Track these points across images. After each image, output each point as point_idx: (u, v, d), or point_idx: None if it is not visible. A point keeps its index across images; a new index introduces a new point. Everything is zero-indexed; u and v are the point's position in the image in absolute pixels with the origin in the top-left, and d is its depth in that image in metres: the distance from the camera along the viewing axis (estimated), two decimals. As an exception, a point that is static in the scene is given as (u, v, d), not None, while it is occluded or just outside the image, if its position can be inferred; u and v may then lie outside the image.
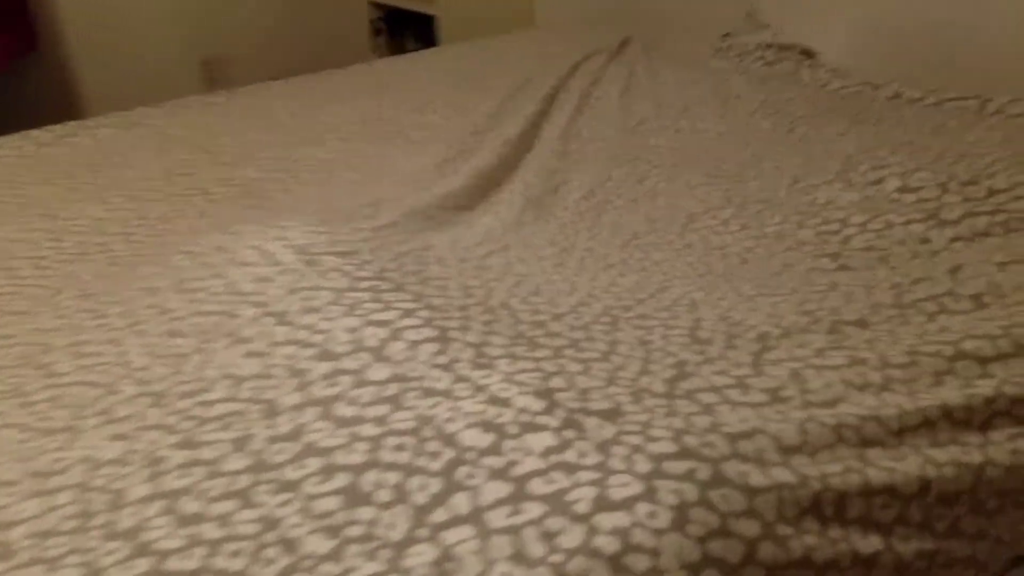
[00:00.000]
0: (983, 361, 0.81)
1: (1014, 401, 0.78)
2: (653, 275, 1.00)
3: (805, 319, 0.87)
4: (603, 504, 0.59)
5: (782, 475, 0.65)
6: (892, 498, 0.68)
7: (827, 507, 0.65)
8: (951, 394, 0.77)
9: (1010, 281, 0.94)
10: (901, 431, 0.73)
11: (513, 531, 0.58)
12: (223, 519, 0.58)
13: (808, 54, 1.88)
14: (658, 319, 0.85)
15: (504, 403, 0.67)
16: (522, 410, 0.67)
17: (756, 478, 0.64)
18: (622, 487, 0.60)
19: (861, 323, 0.87)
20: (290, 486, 0.61)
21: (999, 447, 0.75)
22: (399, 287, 0.81)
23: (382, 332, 0.74)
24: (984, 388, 0.78)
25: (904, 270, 0.98)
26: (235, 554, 0.55)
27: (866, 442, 0.71)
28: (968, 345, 0.82)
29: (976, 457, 0.73)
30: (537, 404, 0.68)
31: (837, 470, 0.67)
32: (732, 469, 0.63)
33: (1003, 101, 1.46)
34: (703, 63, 1.88)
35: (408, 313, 0.77)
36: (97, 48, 2.70)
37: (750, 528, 0.60)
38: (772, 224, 1.11)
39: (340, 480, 0.61)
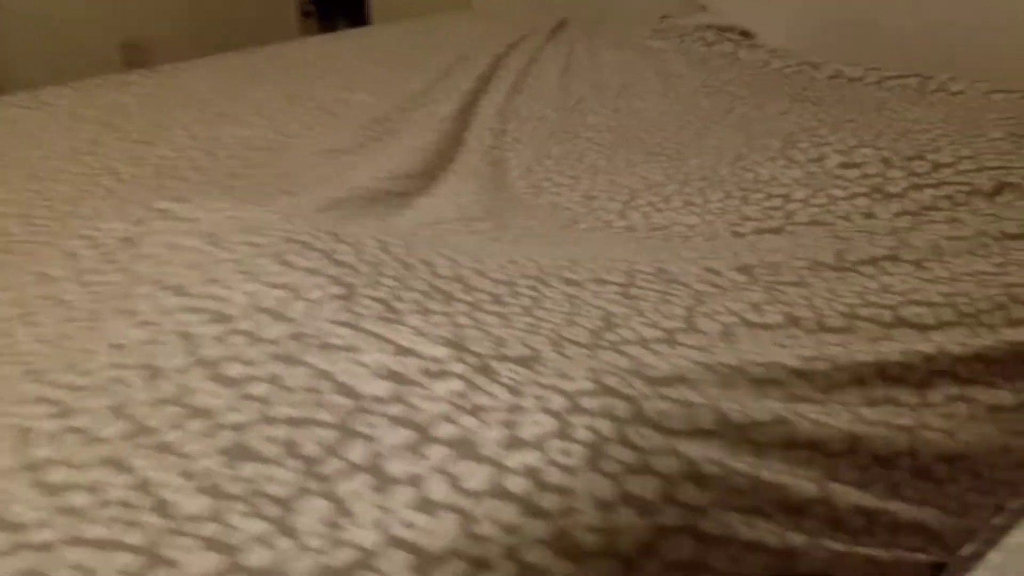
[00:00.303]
0: (923, 328, 0.78)
1: (956, 360, 0.76)
2: (590, 246, 0.95)
3: (743, 277, 0.83)
4: (513, 443, 0.55)
5: (705, 417, 0.61)
6: (817, 452, 0.64)
7: (751, 452, 0.61)
8: (888, 350, 0.74)
9: (953, 249, 0.92)
10: (832, 387, 0.70)
11: (415, 478, 0.53)
12: (93, 487, 0.52)
13: (746, 35, 1.86)
14: (590, 275, 0.80)
15: (410, 353, 0.62)
16: (430, 359, 0.62)
17: (677, 418, 0.60)
18: (534, 425, 0.56)
19: (800, 283, 0.83)
20: (168, 447, 0.54)
21: (934, 409, 0.72)
22: (307, 247, 0.74)
23: (282, 293, 0.68)
24: (924, 346, 0.76)
25: (847, 237, 0.96)
26: (104, 521, 0.49)
27: (795, 397, 0.67)
28: (907, 312, 0.79)
29: (908, 419, 0.70)
30: (446, 352, 0.62)
31: (766, 419, 0.63)
32: (652, 407, 0.59)
33: (943, 79, 1.45)
34: (642, 44, 1.85)
35: (313, 272, 0.71)
36: (10, 29, 2.56)
37: (669, 466, 0.56)
38: (715, 200, 1.08)
39: (224, 439, 0.55)
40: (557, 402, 0.58)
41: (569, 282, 0.79)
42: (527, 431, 0.56)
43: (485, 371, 0.61)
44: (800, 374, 0.69)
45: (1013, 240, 0.95)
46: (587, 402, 0.58)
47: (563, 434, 0.56)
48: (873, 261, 0.88)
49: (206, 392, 0.59)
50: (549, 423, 0.57)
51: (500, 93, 1.51)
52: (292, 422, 0.57)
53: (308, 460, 0.54)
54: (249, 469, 0.53)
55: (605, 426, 0.57)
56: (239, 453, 0.54)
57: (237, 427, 0.56)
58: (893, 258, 0.89)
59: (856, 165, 1.12)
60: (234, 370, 0.61)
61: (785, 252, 0.90)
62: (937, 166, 1.10)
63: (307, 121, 1.36)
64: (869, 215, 1.03)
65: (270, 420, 0.57)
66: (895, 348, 0.75)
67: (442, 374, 0.61)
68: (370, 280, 0.72)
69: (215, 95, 1.49)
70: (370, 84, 1.50)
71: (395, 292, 0.71)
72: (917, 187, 1.06)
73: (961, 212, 1.01)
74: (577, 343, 0.68)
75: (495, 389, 0.59)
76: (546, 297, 0.76)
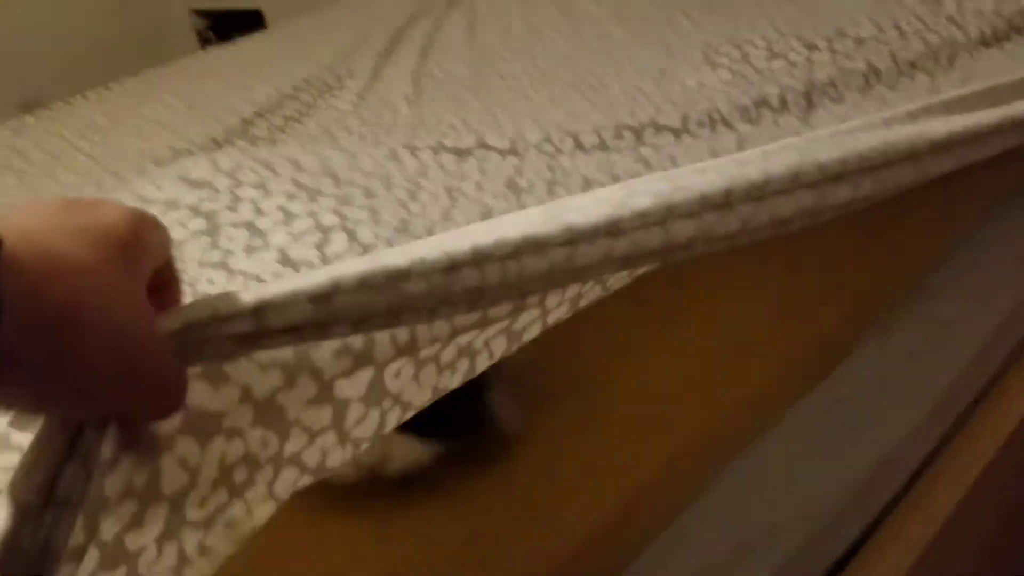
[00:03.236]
0: None
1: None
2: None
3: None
4: None
5: None
6: None
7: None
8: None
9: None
10: None
11: None
12: None
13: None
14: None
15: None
16: None
17: None
18: None
19: None
20: None
21: None
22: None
23: None
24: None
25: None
26: None
27: None
28: None
29: None
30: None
31: None
32: None
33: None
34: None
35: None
36: None
37: None
38: (645, 115, 1.03)
39: None
40: None
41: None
42: None
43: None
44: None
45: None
46: None
47: None
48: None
49: None
50: None
51: (409, 60, 1.45)
52: None
53: None
54: None
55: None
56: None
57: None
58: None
59: (780, 55, 1.08)
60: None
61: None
62: (860, 40, 1.07)
63: (208, 125, 1.29)
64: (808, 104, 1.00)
65: None
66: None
67: None
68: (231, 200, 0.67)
69: (111, 117, 1.42)
70: (270, 80, 1.43)
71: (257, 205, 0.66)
72: (845, 70, 1.03)
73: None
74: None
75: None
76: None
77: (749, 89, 1.03)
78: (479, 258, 0.44)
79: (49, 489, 0.34)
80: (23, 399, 0.33)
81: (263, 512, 0.43)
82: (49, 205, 0.36)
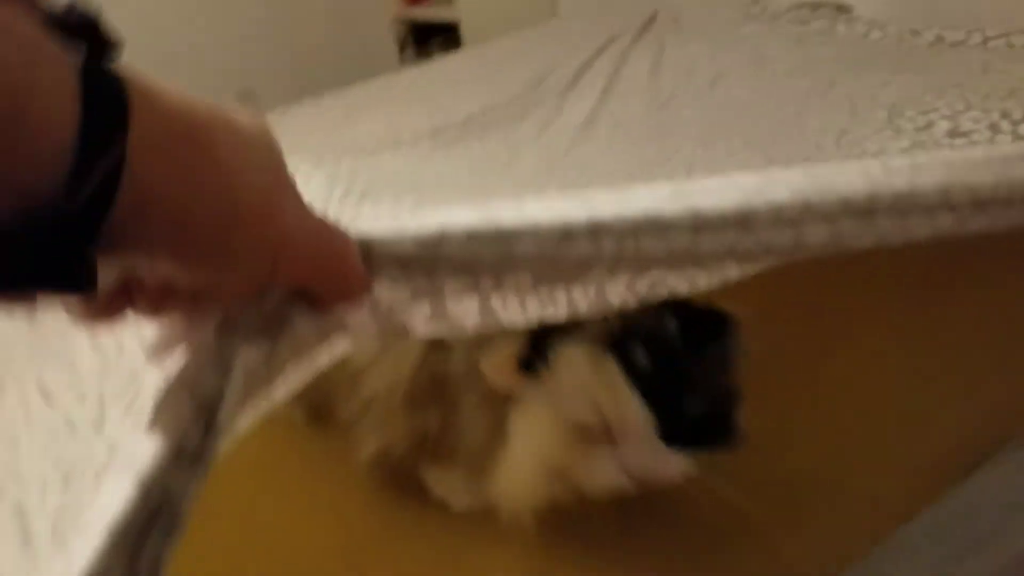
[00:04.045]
0: None
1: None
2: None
3: None
4: None
5: None
6: None
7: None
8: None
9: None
10: None
11: None
12: None
13: (843, 9, 1.80)
14: None
15: None
16: None
17: None
18: None
19: None
20: None
21: None
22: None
23: None
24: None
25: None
26: None
27: None
28: None
29: None
30: None
31: None
32: None
33: (1053, 32, 1.37)
34: (734, 30, 1.81)
35: None
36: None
37: None
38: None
39: None
40: None
41: None
42: None
43: None
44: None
45: None
46: None
47: None
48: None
49: None
50: None
51: (589, 100, 1.51)
52: None
53: None
54: None
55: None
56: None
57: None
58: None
59: (964, 133, 1.07)
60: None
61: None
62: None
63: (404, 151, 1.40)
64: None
65: None
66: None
67: None
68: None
69: (315, 135, 1.56)
70: (457, 107, 1.52)
71: None
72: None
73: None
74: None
75: None
76: None
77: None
78: (595, 231, 0.43)
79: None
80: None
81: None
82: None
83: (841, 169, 0.51)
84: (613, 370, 0.71)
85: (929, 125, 1.11)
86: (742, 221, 0.46)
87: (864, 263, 1.03)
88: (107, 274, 0.37)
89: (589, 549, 0.82)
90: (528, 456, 0.76)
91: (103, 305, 0.39)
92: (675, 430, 0.70)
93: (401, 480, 0.90)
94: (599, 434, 0.73)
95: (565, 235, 0.43)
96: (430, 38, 3.26)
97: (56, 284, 0.32)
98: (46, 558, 0.41)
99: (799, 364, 0.99)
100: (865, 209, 0.48)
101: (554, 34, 2.05)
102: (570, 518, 0.80)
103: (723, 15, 1.91)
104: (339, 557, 0.88)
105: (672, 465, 0.73)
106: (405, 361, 0.81)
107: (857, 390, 0.94)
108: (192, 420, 0.38)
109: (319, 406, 0.98)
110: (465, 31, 2.87)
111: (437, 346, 0.80)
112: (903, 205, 0.50)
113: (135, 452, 0.37)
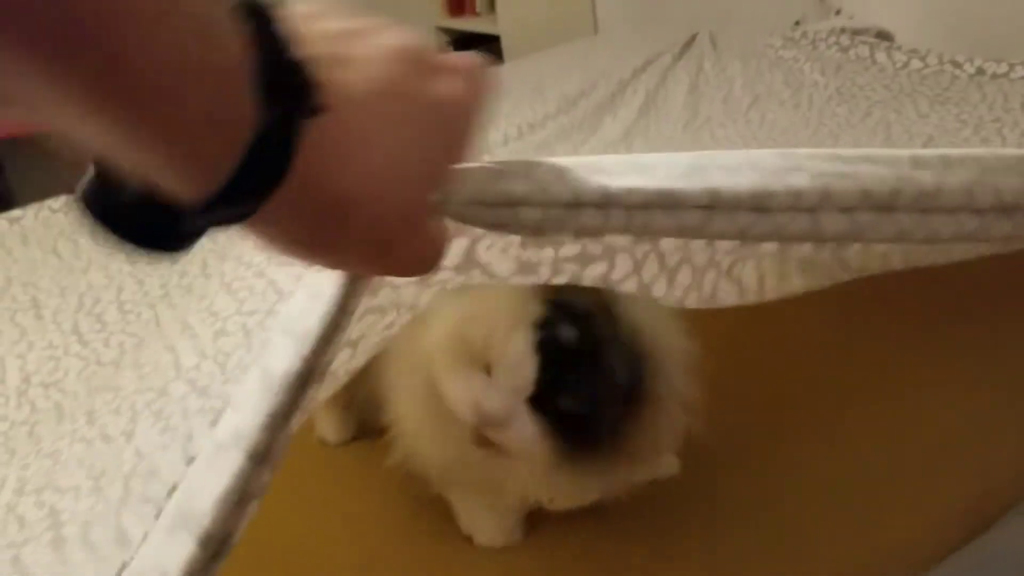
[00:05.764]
0: None
1: None
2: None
3: None
4: None
5: None
6: None
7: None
8: None
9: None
10: None
11: None
12: None
13: (885, 36, 1.80)
14: None
15: None
16: None
17: None
18: None
19: None
20: None
21: None
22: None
23: None
24: None
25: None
26: None
27: None
28: None
29: None
30: None
31: None
32: None
33: (1098, 67, 1.36)
34: (773, 54, 1.82)
35: None
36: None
37: None
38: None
39: None
40: None
41: None
42: None
43: None
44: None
45: None
46: None
47: None
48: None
49: None
50: None
51: (626, 119, 1.52)
52: None
53: None
54: None
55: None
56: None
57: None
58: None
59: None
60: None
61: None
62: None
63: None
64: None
65: None
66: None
67: None
68: None
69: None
70: (496, 123, 1.54)
71: None
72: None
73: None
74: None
75: None
76: None
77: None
78: (605, 201, 0.43)
79: None
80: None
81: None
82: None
83: (868, 155, 0.50)
84: (525, 318, 0.70)
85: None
86: (758, 204, 0.45)
87: (895, 301, 1.03)
88: None
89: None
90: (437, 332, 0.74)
91: None
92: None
93: (427, 503, 0.88)
94: (477, 357, 0.72)
95: (574, 203, 0.43)
96: (471, 49, 3.30)
97: (164, 247, 0.32)
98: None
99: (822, 406, 0.98)
100: (886, 204, 0.48)
101: (594, 52, 2.06)
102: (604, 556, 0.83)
103: (763, 39, 1.92)
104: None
105: (522, 430, 0.71)
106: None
107: (882, 437, 0.93)
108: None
109: (363, 419, 0.96)
110: (505, 44, 2.89)
111: None
112: (925, 203, 0.49)
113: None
